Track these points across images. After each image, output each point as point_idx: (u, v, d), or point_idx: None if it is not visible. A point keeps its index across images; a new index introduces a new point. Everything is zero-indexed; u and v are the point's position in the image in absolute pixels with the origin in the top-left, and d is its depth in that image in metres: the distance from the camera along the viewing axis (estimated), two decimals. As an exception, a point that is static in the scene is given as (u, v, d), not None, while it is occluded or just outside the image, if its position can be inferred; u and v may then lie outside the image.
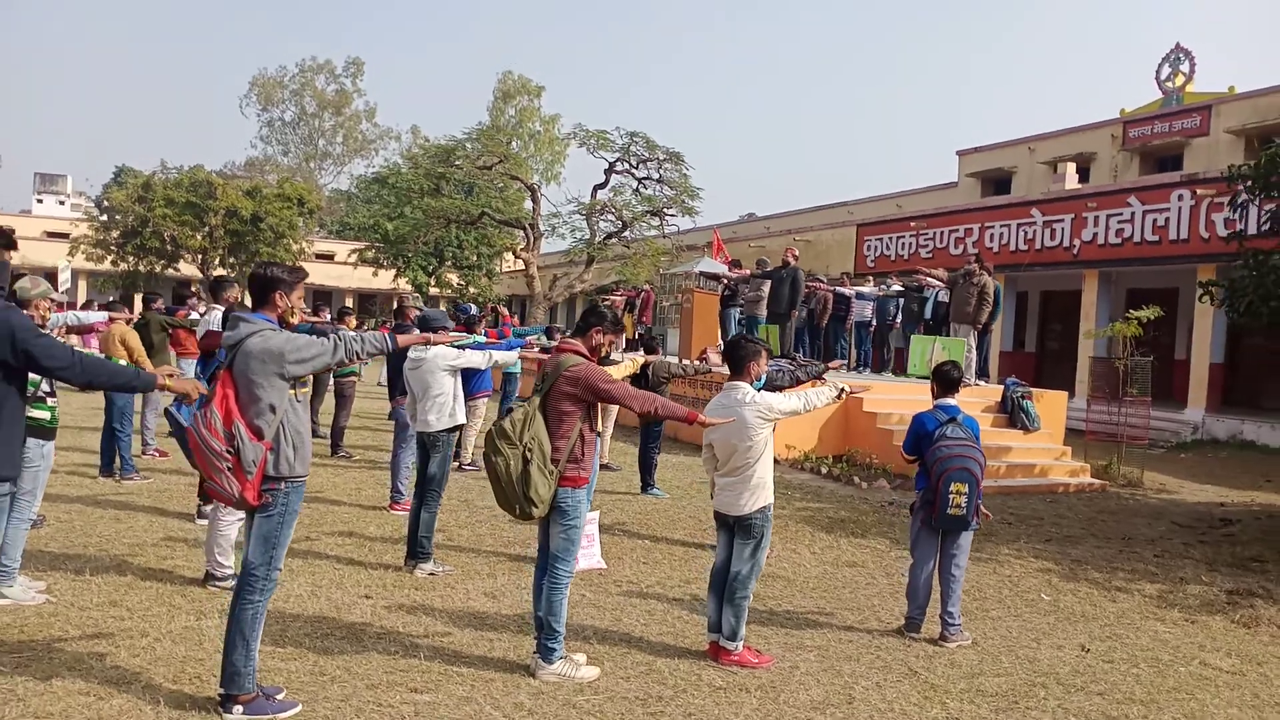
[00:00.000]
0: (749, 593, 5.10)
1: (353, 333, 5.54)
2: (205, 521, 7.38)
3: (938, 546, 5.67)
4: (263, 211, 43.93)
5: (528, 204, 35.99)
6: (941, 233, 24.13)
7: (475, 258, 46.53)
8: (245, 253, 44.35)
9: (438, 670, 4.73)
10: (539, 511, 4.60)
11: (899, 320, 16.26)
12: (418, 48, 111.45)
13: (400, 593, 6.03)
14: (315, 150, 70.42)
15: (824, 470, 11.58)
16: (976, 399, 12.38)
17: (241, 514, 6.00)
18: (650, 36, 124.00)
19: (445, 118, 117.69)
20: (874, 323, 16.56)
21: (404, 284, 46.22)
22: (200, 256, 43.70)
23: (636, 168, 33.84)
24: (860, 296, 16.56)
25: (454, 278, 46.60)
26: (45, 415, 5.60)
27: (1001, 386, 13.08)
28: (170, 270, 44.06)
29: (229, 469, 3.96)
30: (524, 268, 34.74)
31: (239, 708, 4.07)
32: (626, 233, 33.36)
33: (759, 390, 5.14)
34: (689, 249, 32.86)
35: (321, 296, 55.00)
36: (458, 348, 6.72)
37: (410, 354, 6.84)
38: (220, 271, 45.39)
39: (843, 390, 5.31)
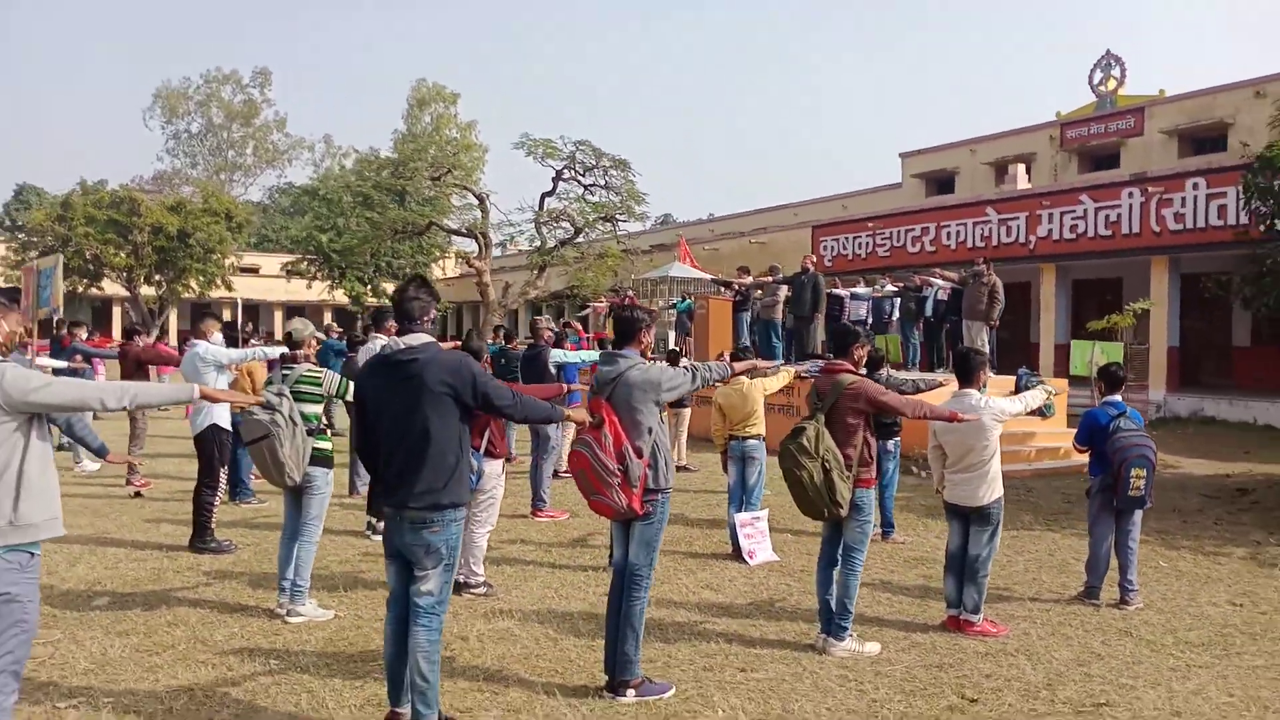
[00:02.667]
0: (988, 571, 5.88)
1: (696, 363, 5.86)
2: (380, 537, 7.86)
3: (1114, 524, 6.53)
4: (189, 227, 43.05)
5: (477, 213, 36.12)
6: (898, 232, 25.35)
7: (411, 268, 46.27)
8: (173, 269, 43.50)
9: (750, 654, 5.37)
10: (844, 511, 5.28)
11: (894, 318, 17.25)
12: (328, 56, 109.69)
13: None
14: (225, 162, 68.87)
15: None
16: (993, 389, 13.39)
17: (491, 525, 6.58)
18: (586, 37, 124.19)
19: (359, 126, 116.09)
20: (869, 321, 17.52)
21: (340, 296, 45.85)
22: (126, 275, 42.59)
23: (584, 175, 34.45)
24: (855, 297, 17.47)
25: (391, 288, 46.33)
26: (327, 446, 6.03)
27: (1015, 376, 14.14)
28: (95, 290, 42.89)
29: (618, 484, 4.55)
30: (477, 276, 34.95)
31: (631, 691, 4.67)
32: (579, 239, 33.91)
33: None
34: (658, 249, 33.60)
35: (248, 311, 54.05)
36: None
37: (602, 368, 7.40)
38: (147, 290, 44.42)
39: (1051, 390, 6.13)
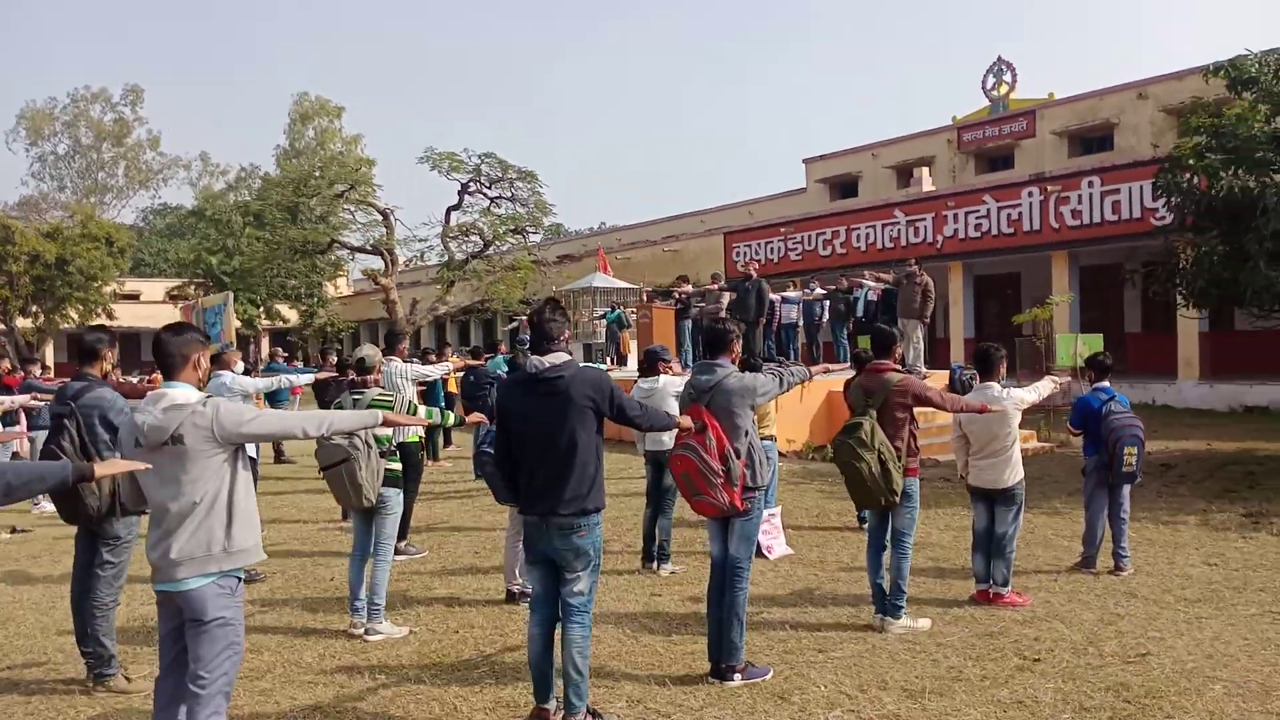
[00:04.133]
0: (1014, 547, 6.50)
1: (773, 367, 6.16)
2: (403, 558, 8.08)
3: (1107, 499, 7.24)
4: (68, 254, 41.33)
5: (381, 230, 35.78)
6: (809, 236, 26.37)
7: (305, 288, 45.33)
8: (50, 299, 41.67)
9: (818, 637, 5.85)
10: (898, 499, 5.80)
11: (824, 319, 18.05)
12: (202, 72, 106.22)
13: (685, 589, 7.03)
14: (95, 184, 66.16)
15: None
16: (930, 382, 14.27)
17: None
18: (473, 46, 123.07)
19: (238, 143, 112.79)
20: (799, 324, 18.29)
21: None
22: (1, 306, 40.64)
23: (490, 188, 34.57)
24: (786, 301, 18.21)
25: (284, 308, 45.29)
26: (397, 467, 6.26)
27: (948, 371, 15.09)
28: (-41, 323, 40.87)
29: (721, 484, 4.96)
30: (384, 294, 34.66)
31: (738, 675, 5.08)
32: (489, 251, 33.98)
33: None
34: (566, 259, 33.89)
35: (129, 339, 52.14)
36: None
37: (642, 384, 7.78)
38: (23, 322, 42.40)
39: (1058, 382, 6.80)
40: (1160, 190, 13.02)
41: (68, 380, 5.59)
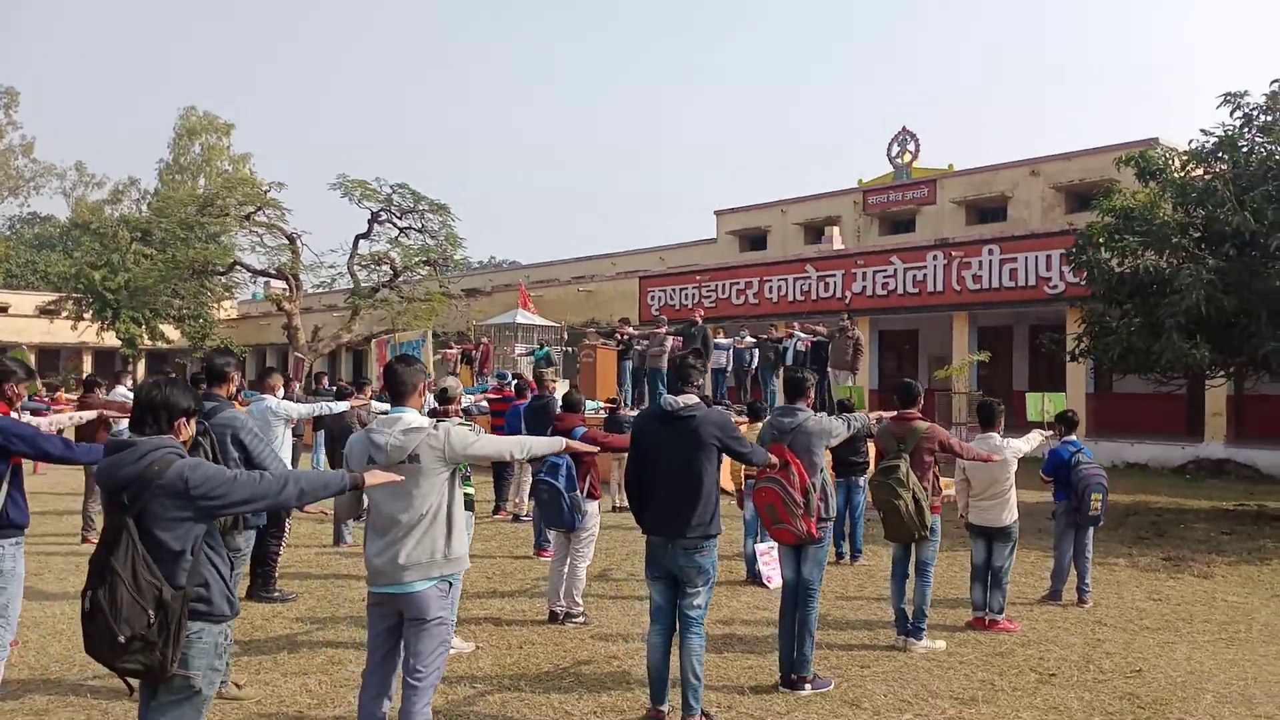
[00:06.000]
0: (1009, 578, 7.38)
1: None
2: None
3: (1073, 540, 8.23)
4: (-67, 264, 39.40)
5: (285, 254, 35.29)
6: (723, 284, 27.49)
7: (193, 309, 44.01)
8: (-88, 311, 39.53)
9: (854, 655, 6.58)
10: (928, 534, 6.60)
11: (754, 366, 19.00)
12: (82, 78, 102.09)
13: (714, 613, 7.65)
14: (-42, 189, 62.66)
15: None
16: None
17: (589, 559, 7.43)
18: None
19: (117, 154, 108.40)
20: (728, 369, 19.21)
21: (110, 338, 43.00)
22: None
23: (400, 218, 34.67)
24: (716, 346, 19.14)
25: (169, 329, 43.90)
26: (471, 491, 6.71)
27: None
28: None
29: (801, 514, 5.67)
30: (286, 319, 34.21)
31: (808, 685, 5.76)
32: (399, 281, 33.97)
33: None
34: (471, 293, 34.08)
35: (-5, 352, 49.48)
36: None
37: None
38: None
39: (1045, 435, 7.77)
40: (1073, 264, 14.45)
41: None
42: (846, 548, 9.83)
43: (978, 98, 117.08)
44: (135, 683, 3.51)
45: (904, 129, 28.62)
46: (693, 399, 5.15)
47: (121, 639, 3.24)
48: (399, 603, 4.16)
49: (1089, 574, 8.25)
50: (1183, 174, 13.22)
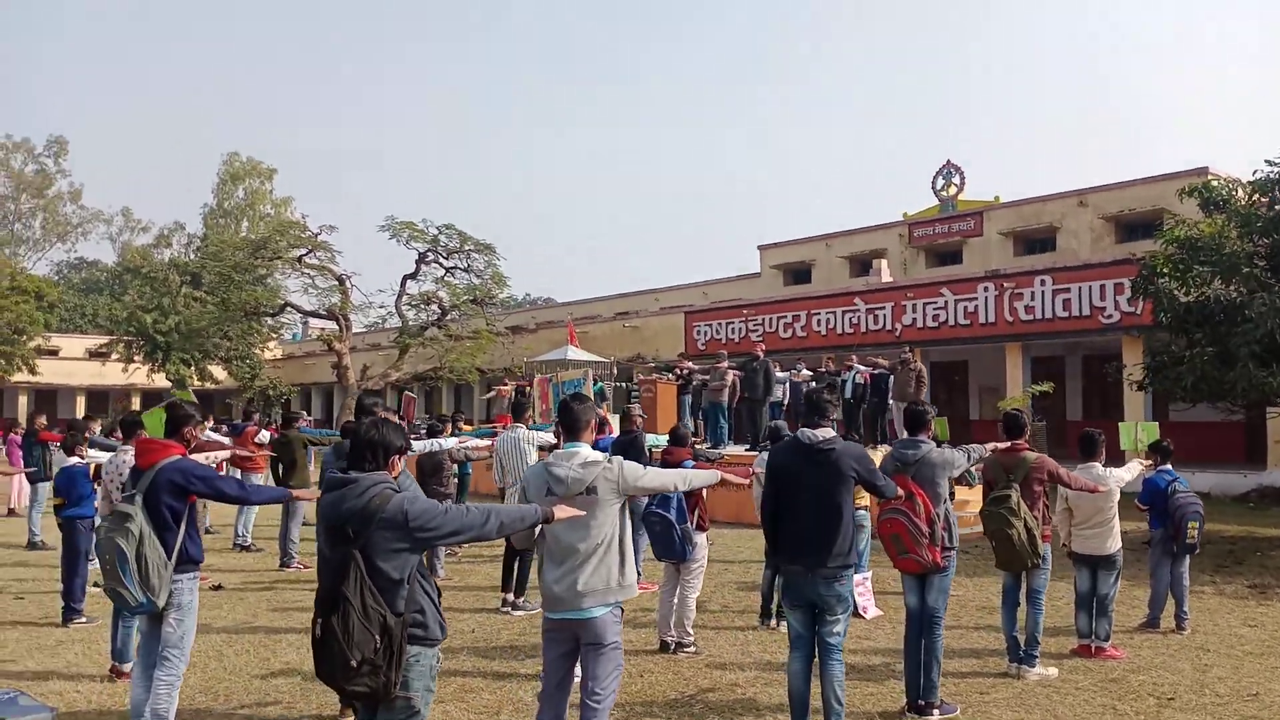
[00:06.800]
0: (1114, 606, 7.49)
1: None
2: (521, 613, 8.70)
3: (1170, 568, 8.32)
4: (-4, 307, 40.36)
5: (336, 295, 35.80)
6: (770, 318, 27.67)
7: (240, 349, 44.73)
8: (-22, 353, 40.51)
9: (968, 682, 6.70)
10: (1040, 561, 6.73)
11: (812, 400, 19.16)
12: (127, 125, 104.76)
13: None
14: (10, 235, 64.25)
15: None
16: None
17: (698, 589, 7.59)
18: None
19: (160, 200, 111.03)
20: (785, 402, 19.38)
21: (159, 379, 43.73)
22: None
23: (446, 258, 35.21)
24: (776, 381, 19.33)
25: (217, 370, 44.65)
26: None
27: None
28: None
29: (926, 544, 5.83)
30: (336, 359, 34.71)
31: (935, 711, 5.90)
32: (448, 320, 34.42)
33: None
34: (521, 331, 34.47)
35: (46, 396, 50.50)
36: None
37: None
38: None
39: (1145, 464, 7.89)
40: (1138, 293, 14.55)
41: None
42: None
43: (1020, 130, 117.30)
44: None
45: (949, 162, 28.87)
46: (830, 432, 5.35)
47: (353, 663, 3.47)
48: (576, 628, 4.37)
49: (1186, 601, 8.33)
50: (1248, 204, 13.32)
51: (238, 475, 11.44)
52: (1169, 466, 8.52)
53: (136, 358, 42.42)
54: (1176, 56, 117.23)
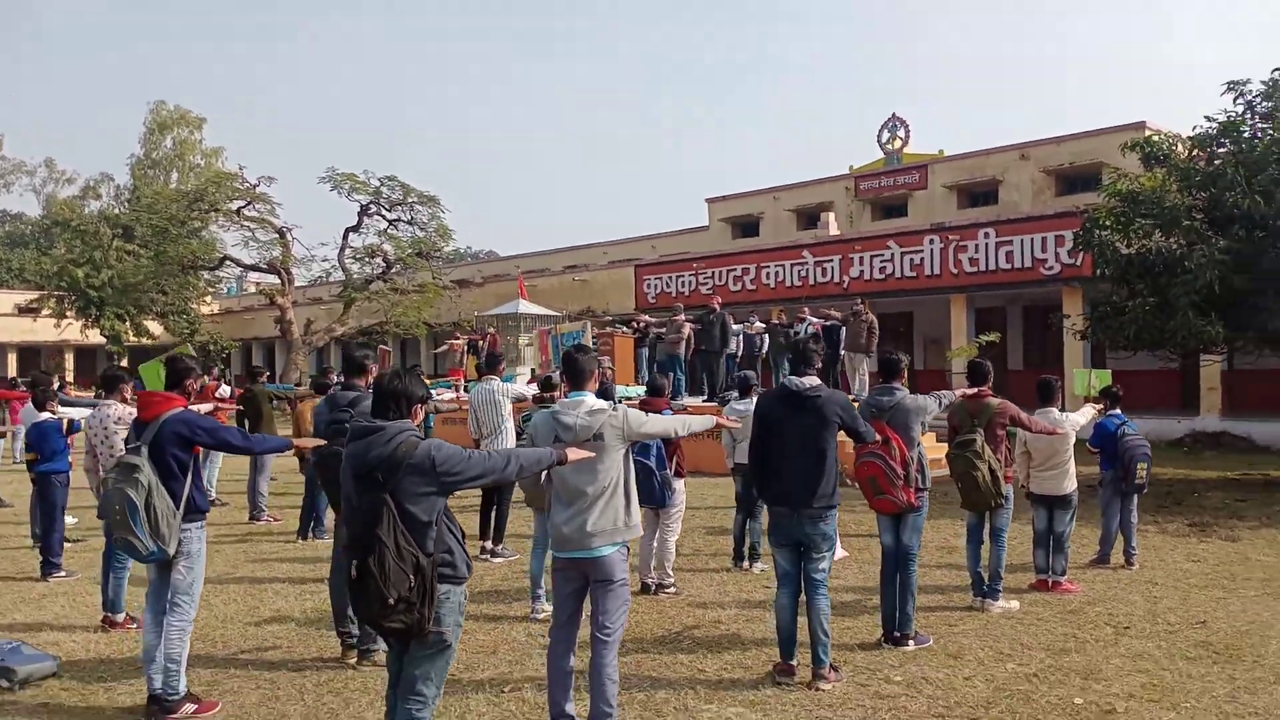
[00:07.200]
0: (1069, 543, 7.90)
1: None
2: (500, 559, 8.91)
3: (1119, 506, 8.77)
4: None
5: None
6: (720, 271, 27.92)
7: (175, 304, 43.76)
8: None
9: (936, 616, 7.06)
10: (1003, 501, 7.08)
11: (764, 351, 19.49)
12: (48, 72, 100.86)
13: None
14: (-76, 186, 61.84)
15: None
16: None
17: (678, 532, 7.85)
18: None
19: (85, 149, 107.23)
20: (739, 354, 19.68)
21: (94, 335, 42.75)
22: None
23: (389, 210, 34.81)
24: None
25: (153, 325, 43.69)
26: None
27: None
28: None
29: (900, 485, 6.13)
30: (280, 313, 34.28)
31: (911, 642, 6.23)
32: (393, 273, 34.11)
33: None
34: (467, 285, 34.30)
35: (-31, 353, 49.11)
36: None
37: (736, 405, 8.84)
38: None
39: (1097, 408, 8.28)
40: (1080, 245, 15.03)
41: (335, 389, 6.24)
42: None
43: (963, 84, 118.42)
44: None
45: (894, 115, 29.28)
46: (815, 380, 5.59)
47: (391, 600, 3.64)
48: (585, 567, 4.57)
49: (1135, 538, 8.80)
50: (1188, 159, 13.80)
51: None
52: (1118, 411, 8.94)
53: (69, 313, 41.34)
54: (1121, 9, 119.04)
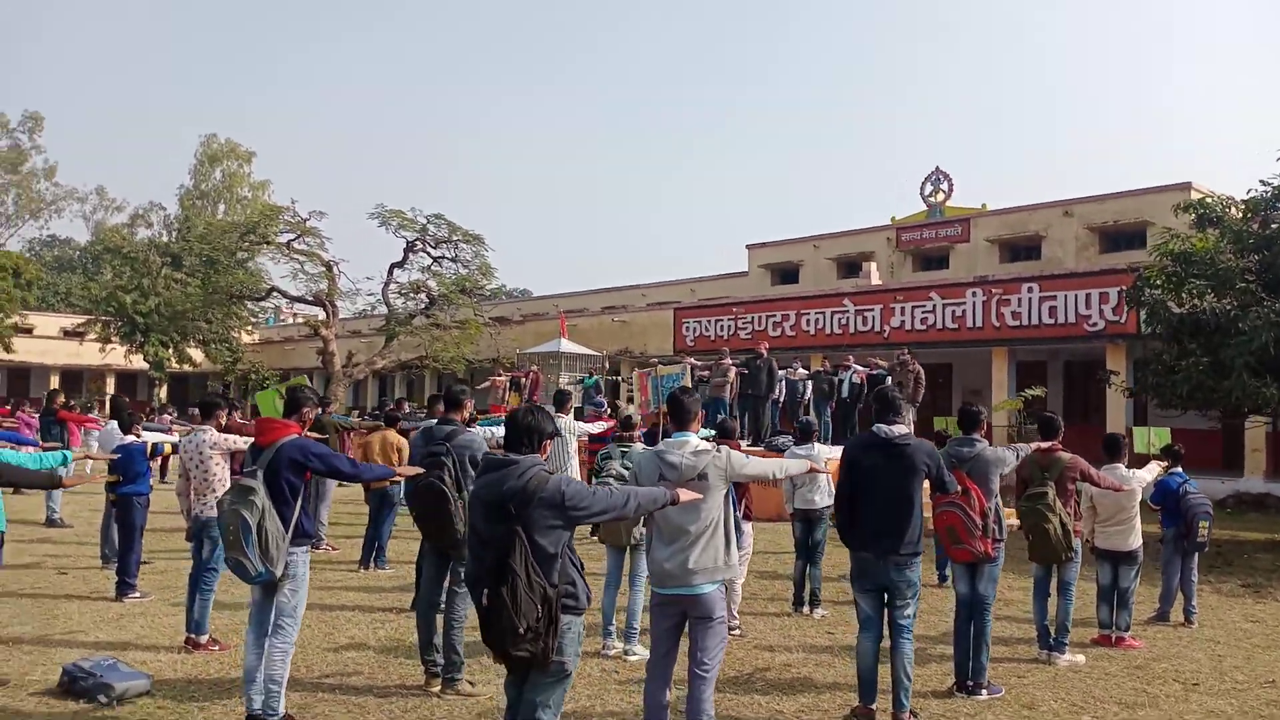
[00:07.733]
0: (1134, 599, 7.96)
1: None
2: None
3: (1180, 565, 8.81)
4: (-29, 284, 39.91)
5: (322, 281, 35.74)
6: (760, 316, 28.10)
7: (219, 333, 44.42)
8: (-47, 332, 40.05)
9: (1003, 668, 7.12)
10: (1073, 554, 7.17)
11: (807, 398, 19.61)
12: (104, 103, 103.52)
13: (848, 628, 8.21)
14: (-21, 211, 63.24)
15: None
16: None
17: (743, 577, 7.96)
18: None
19: (136, 179, 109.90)
20: (782, 400, 19.80)
21: (137, 360, 43.42)
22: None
23: (435, 247, 35.33)
24: (771, 378, 19.73)
25: (195, 352, 44.34)
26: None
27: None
28: None
29: (979, 535, 6.25)
30: (322, 345, 34.73)
31: (984, 691, 6.31)
32: (434, 309, 34.54)
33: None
34: (498, 321, 34.64)
35: (20, 375, 50.03)
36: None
37: (798, 450, 8.98)
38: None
39: (1163, 466, 8.37)
40: (1131, 303, 15.13)
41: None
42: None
43: (1008, 140, 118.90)
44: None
45: (937, 169, 29.51)
46: (904, 428, 5.74)
47: (521, 629, 3.81)
48: (686, 603, 4.72)
49: (1195, 597, 8.82)
50: (1241, 221, 13.91)
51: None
52: (1179, 469, 9.00)
53: (114, 338, 42.09)
54: (1166, 65, 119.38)
